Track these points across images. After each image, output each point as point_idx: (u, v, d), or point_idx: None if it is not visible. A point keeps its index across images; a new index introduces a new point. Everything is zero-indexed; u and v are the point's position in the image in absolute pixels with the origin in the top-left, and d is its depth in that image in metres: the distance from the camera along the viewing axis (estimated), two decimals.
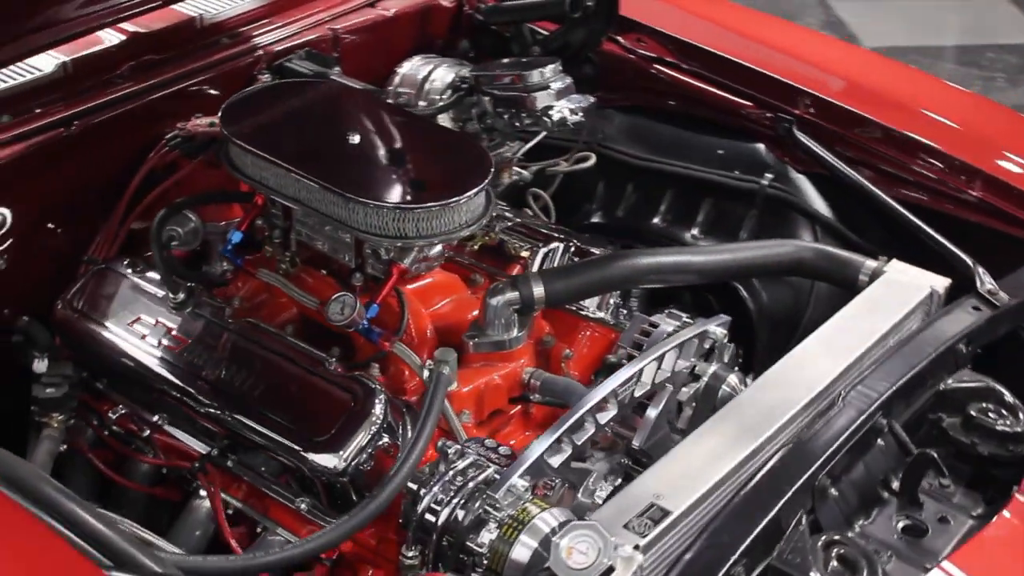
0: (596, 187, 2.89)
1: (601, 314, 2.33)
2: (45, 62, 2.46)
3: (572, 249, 2.42)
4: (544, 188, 2.88)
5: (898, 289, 2.18)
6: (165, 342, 2.21)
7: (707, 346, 2.19)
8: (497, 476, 1.85)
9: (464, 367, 2.16)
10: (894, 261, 2.26)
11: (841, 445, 1.78)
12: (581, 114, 2.57)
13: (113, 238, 2.45)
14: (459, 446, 1.95)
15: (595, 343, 2.32)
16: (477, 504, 1.81)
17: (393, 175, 2.24)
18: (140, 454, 2.27)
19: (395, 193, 2.14)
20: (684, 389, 2.15)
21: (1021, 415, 1.98)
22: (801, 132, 2.69)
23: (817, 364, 1.96)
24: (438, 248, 2.20)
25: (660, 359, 2.06)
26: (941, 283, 2.25)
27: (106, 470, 2.29)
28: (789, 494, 1.70)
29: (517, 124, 2.56)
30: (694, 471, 1.71)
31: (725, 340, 2.21)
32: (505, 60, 2.74)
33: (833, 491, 1.79)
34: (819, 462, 1.76)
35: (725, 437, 1.79)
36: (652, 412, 2.08)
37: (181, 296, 2.25)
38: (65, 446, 2.25)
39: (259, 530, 2.11)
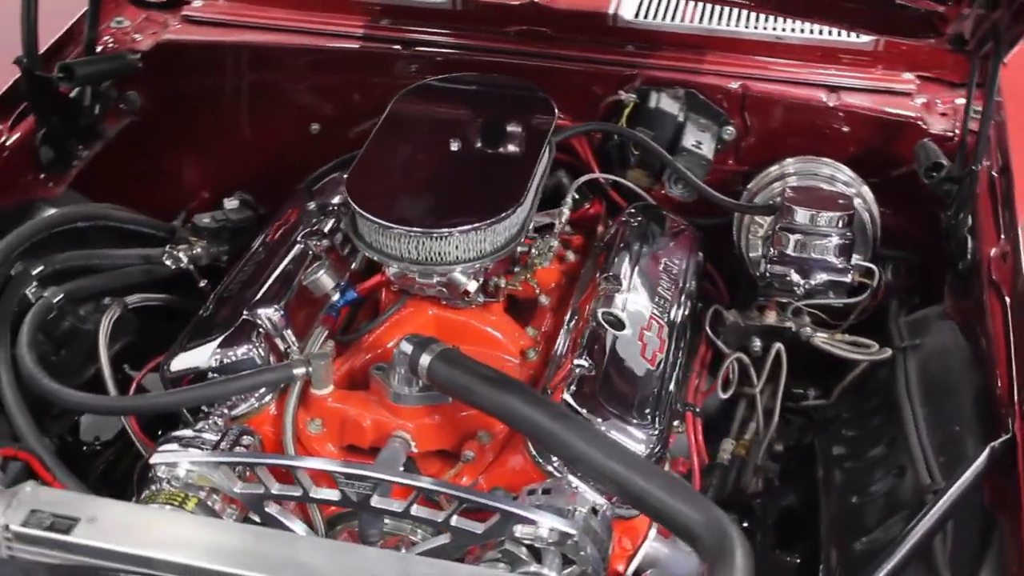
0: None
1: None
2: None
3: None
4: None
5: None
6: None
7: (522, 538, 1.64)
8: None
9: (363, 392, 1.98)
10: None
11: None
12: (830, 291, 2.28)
13: None
14: (231, 421, 1.91)
15: (517, 475, 1.85)
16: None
17: (422, 187, 2.17)
18: None
19: (381, 201, 2.04)
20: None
21: None
22: None
23: None
24: (455, 276, 1.99)
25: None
26: None
27: None
28: None
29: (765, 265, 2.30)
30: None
31: (552, 547, 1.62)
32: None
33: None
34: None
35: None
36: None
37: None
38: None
39: None
